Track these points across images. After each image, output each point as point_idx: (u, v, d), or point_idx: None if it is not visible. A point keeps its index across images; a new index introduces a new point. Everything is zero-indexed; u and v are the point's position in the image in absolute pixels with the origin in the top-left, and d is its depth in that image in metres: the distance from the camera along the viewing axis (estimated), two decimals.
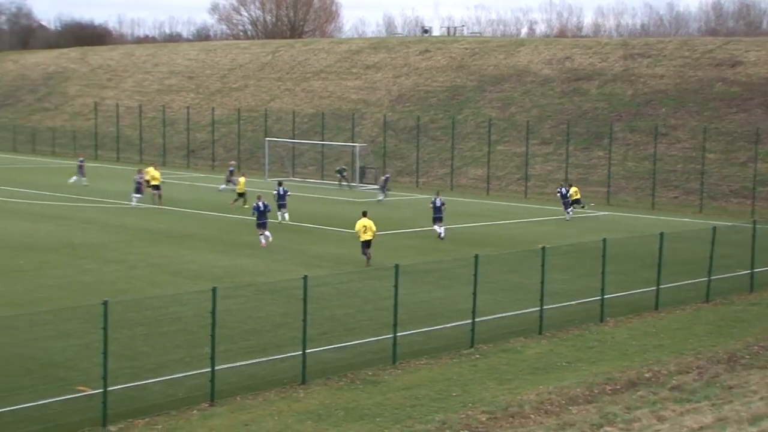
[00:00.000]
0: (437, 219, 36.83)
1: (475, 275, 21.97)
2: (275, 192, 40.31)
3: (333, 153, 67.47)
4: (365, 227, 30.62)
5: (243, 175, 48.05)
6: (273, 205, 37.84)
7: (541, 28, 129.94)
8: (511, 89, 68.98)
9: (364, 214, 31.28)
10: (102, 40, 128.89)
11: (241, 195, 44.54)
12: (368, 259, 30.57)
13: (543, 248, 23.97)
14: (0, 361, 18.28)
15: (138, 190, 44.84)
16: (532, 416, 16.70)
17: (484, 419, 16.47)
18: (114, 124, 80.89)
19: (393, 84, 75.28)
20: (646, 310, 25.89)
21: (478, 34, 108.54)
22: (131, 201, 44.65)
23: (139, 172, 46.28)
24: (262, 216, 34.03)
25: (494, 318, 23.94)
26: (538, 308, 23.31)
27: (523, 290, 26.74)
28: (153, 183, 45.98)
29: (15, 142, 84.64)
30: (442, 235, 36.56)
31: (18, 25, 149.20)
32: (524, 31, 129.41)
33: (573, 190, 47.01)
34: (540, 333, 22.93)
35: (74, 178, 53.88)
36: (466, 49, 77.39)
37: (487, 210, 48.63)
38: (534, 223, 44.10)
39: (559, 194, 46.25)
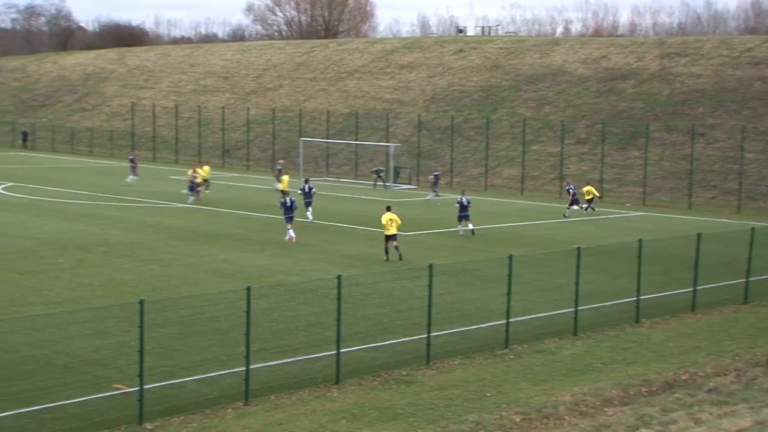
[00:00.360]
0: (463, 217, 37.50)
1: (510, 275, 21.88)
2: (300, 190, 40.83)
3: (367, 153, 67.54)
4: (391, 220, 31.42)
5: (287, 173, 48.52)
6: (300, 202, 38.16)
7: (576, 28, 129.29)
8: (546, 89, 68.64)
9: (388, 209, 32.15)
10: (139, 40, 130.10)
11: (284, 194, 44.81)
12: (386, 252, 31.35)
13: (578, 249, 23.83)
14: (40, 359, 18.50)
15: (192, 189, 45.96)
16: (566, 417, 16.60)
17: (518, 420, 16.40)
18: (150, 124, 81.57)
19: (427, 84, 75.21)
20: (682, 312, 25.64)
21: (513, 34, 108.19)
22: (187, 199, 45.60)
23: (194, 171, 47.63)
24: (289, 211, 34.63)
25: (529, 318, 23.84)
26: (573, 309, 23.17)
27: (557, 291, 26.60)
28: (197, 181, 47.01)
29: (54, 142, 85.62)
30: (462, 232, 37.49)
31: (58, 26, 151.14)
32: (559, 30, 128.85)
33: (587, 188, 47.10)
34: (575, 334, 22.80)
35: (131, 177, 54.35)
36: (501, 48, 77.13)
37: (521, 210, 48.42)
38: (569, 223, 43.85)
39: (568, 191, 46.41)
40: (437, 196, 50.84)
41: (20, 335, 19.09)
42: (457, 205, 37.77)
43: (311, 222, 39.30)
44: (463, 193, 38.78)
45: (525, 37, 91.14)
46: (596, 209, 47.31)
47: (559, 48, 74.24)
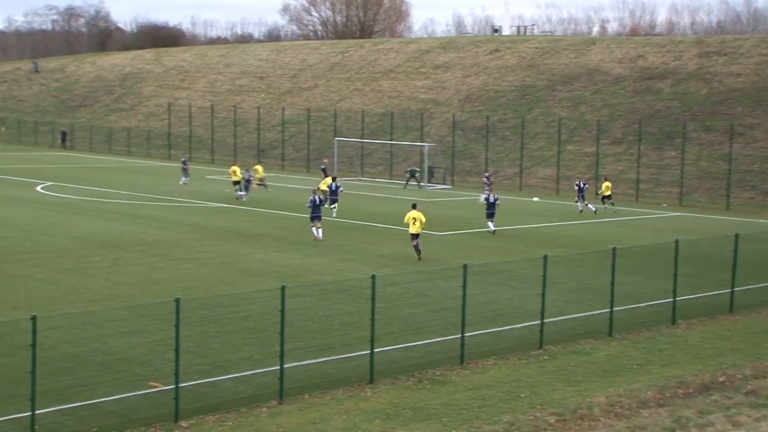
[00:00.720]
0: (490, 215, 37.69)
1: (544, 276, 21.80)
2: (328, 187, 41.93)
3: (402, 153, 67.56)
4: (415, 219, 31.48)
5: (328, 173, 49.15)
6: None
7: (613, 27, 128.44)
8: (581, 88, 68.26)
9: (414, 207, 32.18)
10: (176, 41, 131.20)
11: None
12: (417, 251, 31.44)
13: (613, 249, 23.68)
14: (78, 356, 18.71)
15: (246, 188, 47.17)
16: (601, 419, 16.50)
17: (552, 421, 16.33)
18: (186, 124, 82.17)
19: (462, 84, 75.08)
20: (719, 313, 25.40)
21: (549, 33, 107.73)
22: (243, 198, 46.58)
23: (248, 170, 49.23)
24: (316, 210, 35.00)
25: (563, 319, 23.73)
26: (609, 310, 23.03)
27: (592, 291, 26.45)
28: (234, 179, 48.08)
29: (92, 142, 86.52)
30: (494, 230, 37.68)
31: (96, 28, 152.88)
32: (596, 29, 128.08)
33: (605, 185, 47.31)
34: (610, 335, 22.66)
35: (183, 179, 54.84)
36: (537, 48, 76.81)
37: (556, 210, 48.19)
38: (604, 223, 43.57)
39: (576, 187, 46.66)
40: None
41: (59, 333, 19.32)
42: (484, 202, 38.13)
43: (334, 218, 39.98)
44: (490, 191, 39.42)
45: (561, 37, 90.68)
46: (615, 205, 47.43)
47: (596, 47, 73.78)
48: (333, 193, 41.48)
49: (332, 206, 41.08)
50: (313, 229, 34.92)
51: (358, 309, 22.43)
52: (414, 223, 31.57)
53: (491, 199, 37.82)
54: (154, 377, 17.81)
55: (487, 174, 52.68)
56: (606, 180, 48.90)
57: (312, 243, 34.35)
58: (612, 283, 23.08)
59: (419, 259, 31.22)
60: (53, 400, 16.11)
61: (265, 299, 21.65)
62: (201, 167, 70.21)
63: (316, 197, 35.29)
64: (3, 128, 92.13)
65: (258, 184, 49.23)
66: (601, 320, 23.29)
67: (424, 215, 32.25)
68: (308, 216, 35.66)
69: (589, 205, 46.21)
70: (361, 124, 71.81)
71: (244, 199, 46.73)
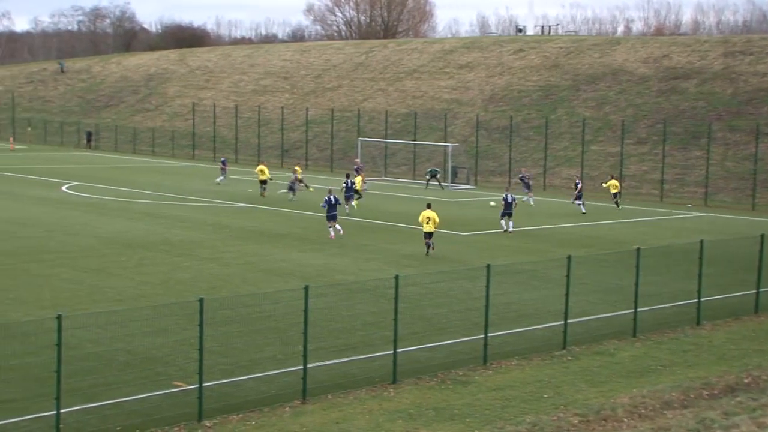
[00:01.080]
0: (506, 214, 38.01)
1: (568, 276, 21.73)
2: (344, 184, 43.02)
3: (425, 153, 67.52)
4: (428, 218, 32.24)
5: (361, 174, 49.46)
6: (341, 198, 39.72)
7: (637, 27, 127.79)
8: (606, 88, 67.95)
9: (428, 207, 33.00)
10: (200, 41, 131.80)
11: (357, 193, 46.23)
12: (430, 249, 32.13)
13: (638, 249, 23.56)
14: (102, 356, 18.84)
15: (293, 189, 47.73)
16: (625, 420, 16.43)
17: (576, 422, 16.27)
18: (211, 124, 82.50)
19: (486, 83, 74.94)
20: (745, 314, 25.21)
21: (573, 33, 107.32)
22: (289, 197, 47.16)
23: (293, 171, 50.15)
24: (332, 209, 35.36)
25: (587, 320, 23.63)
26: (632, 310, 22.92)
27: (616, 292, 26.32)
28: (262, 178, 48.92)
29: (117, 142, 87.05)
30: (510, 229, 38.00)
31: (122, 28, 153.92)
32: (620, 29, 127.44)
33: (612, 182, 48.17)
34: (634, 335, 22.55)
35: (220, 178, 55.10)
36: (561, 48, 76.55)
37: (579, 210, 47.97)
38: (628, 224, 43.35)
39: (576, 185, 47.22)
40: (532, 197, 49.96)
41: (84, 332, 19.46)
42: (502, 202, 38.30)
43: (347, 213, 41.05)
44: (508, 190, 39.92)
45: (585, 37, 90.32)
46: (620, 205, 47.90)
47: (620, 47, 73.42)
48: (348, 190, 42.80)
49: (348, 204, 41.99)
50: (330, 228, 35.27)
51: (381, 309, 22.44)
52: (428, 223, 32.25)
53: (509, 199, 37.96)
54: (178, 377, 17.91)
55: (526, 175, 51.80)
56: (613, 178, 49.31)
57: (335, 243, 34.40)
58: (636, 284, 22.96)
59: (427, 254, 31.99)
60: (78, 399, 16.22)
61: (288, 299, 21.68)
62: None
63: (331, 197, 35.66)
64: (29, 128, 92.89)
65: (300, 185, 49.80)
66: (625, 321, 23.18)
67: (438, 215, 32.65)
68: (323, 215, 35.78)
69: (578, 203, 46.50)
70: (385, 124, 71.83)
71: (290, 198, 47.07)
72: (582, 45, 76.08)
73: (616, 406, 17.05)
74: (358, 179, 46.81)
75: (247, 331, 20.92)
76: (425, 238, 32.28)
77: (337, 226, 35.37)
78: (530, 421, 16.20)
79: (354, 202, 43.62)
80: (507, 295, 25.08)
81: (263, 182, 48.80)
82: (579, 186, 46.88)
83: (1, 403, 16.06)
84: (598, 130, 63.52)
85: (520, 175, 51.89)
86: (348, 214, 40.85)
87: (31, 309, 22.89)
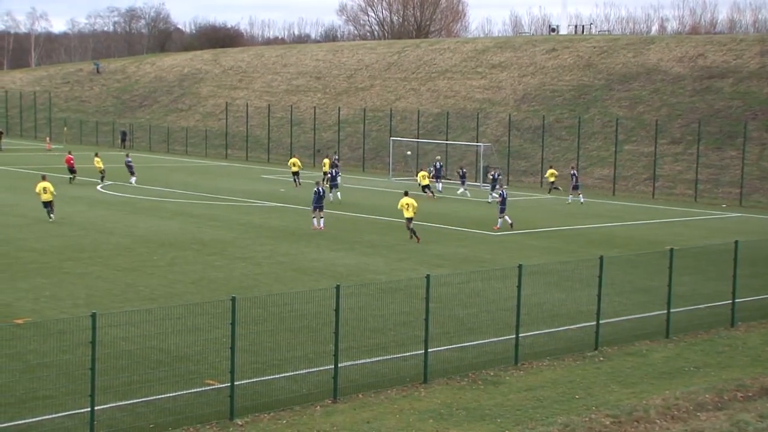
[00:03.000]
0: (503, 209, 38.73)
1: (600, 276, 21.62)
2: (329, 173, 47.08)
3: (457, 153, 67.41)
4: (407, 205, 34.43)
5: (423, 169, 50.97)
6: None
7: (672, 26, 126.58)
8: (639, 88, 67.47)
9: (406, 194, 35.23)
10: (234, 42, 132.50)
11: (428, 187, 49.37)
12: (413, 234, 34.30)
13: (671, 250, 23.38)
14: (135, 354, 19.00)
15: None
16: (657, 422, 16.32)
17: (608, 423, 16.19)
18: (244, 124, 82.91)
19: (518, 83, 74.68)
20: None
21: (607, 32, 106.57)
22: (336, 196, 47.69)
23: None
24: (319, 200, 36.93)
25: (619, 320, 23.50)
26: (665, 311, 22.75)
27: (649, 293, 26.14)
28: (294, 170, 53.07)
29: (151, 142, 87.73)
30: (506, 223, 38.64)
31: (156, 29, 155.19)
32: (655, 28, 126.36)
33: (550, 171, 51.83)
34: (667, 336, 22.38)
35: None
36: (594, 47, 76.10)
37: (612, 210, 47.71)
38: (662, 224, 43.03)
39: (573, 176, 49.35)
40: (580, 197, 50.30)
41: (117, 330, 19.65)
42: (499, 198, 39.30)
43: (332, 201, 44.07)
44: (501, 187, 42.31)
45: (619, 36, 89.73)
46: (552, 193, 51.63)
47: (654, 46, 72.86)
48: (333, 179, 46.91)
49: (331, 192, 45.75)
50: (314, 218, 36.84)
51: (412, 309, 22.45)
52: (407, 209, 34.35)
53: (504, 194, 39.22)
54: (210, 375, 18.03)
55: (573, 172, 51.64)
56: (551, 167, 52.73)
57: (367, 242, 34.44)
58: (669, 284, 22.79)
59: (418, 241, 34.02)
60: (111, 397, 16.38)
61: (320, 298, 21.76)
62: (257, 167, 70.81)
63: (319, 188, 37.17)
64: (66, 128, 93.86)
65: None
66: (658, 322, 23.02)
67: (466, 214, 32.97)
68: (365, 216, 35.85)
69: (571, 197, 48.48)
70: (417, 124, 71.80)
71: (331, 199, 47.40)
72: (616, 44, 75.59)
73: (648, 408, 16.94)
74: (422, 173, 50.35)
75: (278, 330, 21.00)
76: (408, 223, 34.37)
77: (322, 220, 36.77)
78: (562, 422, 16.13)
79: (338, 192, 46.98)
80: (538, 296, 24.99)
81: (296, 174, 53.07)
82: (575, 176, 49.29)
83: (38, 400, 16.26)
84: (632, 129, 63.07)
85: (572, 172, 51.77)
86: (339, 203, 43.68)
87: (66, 307, 23.15)
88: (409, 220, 34.42)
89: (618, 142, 60.10)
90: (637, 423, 16.24)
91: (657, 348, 21.52)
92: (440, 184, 54.63)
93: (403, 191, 36.42)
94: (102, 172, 53.40)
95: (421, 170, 53.54)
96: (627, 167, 59.61)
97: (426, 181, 49.79)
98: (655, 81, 67.43)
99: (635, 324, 23.43)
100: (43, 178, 39.16)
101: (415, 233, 34.47)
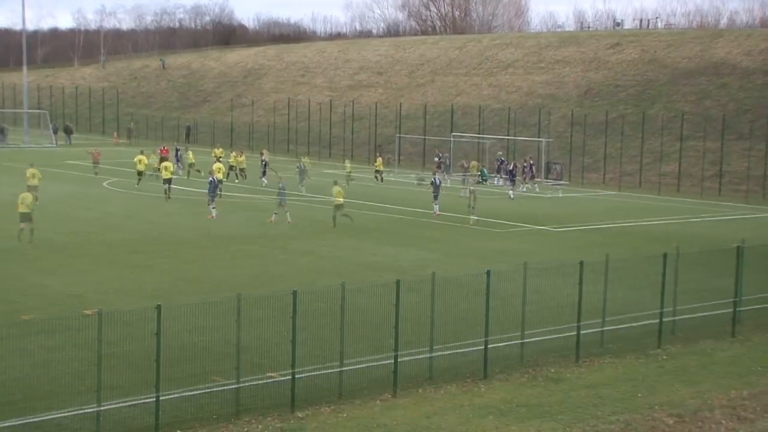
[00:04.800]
0: (436, 196, 40.42)
1: (663, 274, 21.36)
2: (263, 159, 51.61)
3: (519, 148, 67.00)
4: (339, 191, 37.52)
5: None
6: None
7: (741, 18, 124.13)
8: (706, 82, 66.32)
9: (336, 183, 38.15)
10: (297, 37, 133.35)
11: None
12: (335, 219, 36.52)
13: (738, 247, 22.98)
14: (200, 345, 19.28)
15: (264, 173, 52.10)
16: (723, 422, 16.08)
17: (671, 422, 16.01)
18: (305, 119, 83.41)
19: (582, 78, 73.94)
20: None
21: (672, 26, 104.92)
22: (264, 183, 50.79)
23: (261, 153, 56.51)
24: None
25: (683, 318, 23.16)
26: (731, 310, 22.38)
27: (714, 291, 25.70)
28: (377, 168, 56.09)
29: (214, 137, 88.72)
30: (438, 212, 40.02)
31: (221, 25, 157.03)
32: (723, 21, 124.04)
33: (379, 160, 54.70)
34: (733, 335, 22.03)
35: (443, 175, 55.31)
36: (660, 41, 74.99)
37: (677, 207, 47.03)
38: (729, 221, 42.29)
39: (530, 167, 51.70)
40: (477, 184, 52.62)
41: (181, 322, 19.91)
42: (431, 185, 40.70)
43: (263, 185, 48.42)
44: (435, 173, 44.06)
45: (685, 30, 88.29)
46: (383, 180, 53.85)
47: (722, 40, 71.53)
48: (264, 165, 52.04)
49: (264, 177, 50.81)
50: (211, 208, 38.05)
51: (472, 304, 22.41)
52: (340, 195, 37.14)
53: (437, 182, 40.57)
54: (272, 367, 18.21)
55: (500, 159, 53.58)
56: (379, 155, 56.51)
57: (428, 238, 34.43)
58: (736, 282, 22.43)
59: (334, 226, 36.05)
60: (176, 386, 16.64)
61: (381, 293, 21.83)
62: (319, 162, 71.15)
63: (213, 178, 39.14)
64: (132, 124, 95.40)
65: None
66: (723, 320, 22.66)
67: (520, 210, 32.44)
68: (426, 212, 35.85)
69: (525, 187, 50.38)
70: (479, 120, 71.52)
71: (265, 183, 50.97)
72: (682, 38, 74.38)
73: (713, 408, 16.71)
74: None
75: (339, 324, 21.10)
76: (337, 209, 36.51)
77: (214, 211, 37.85)
78: (623, 420, 15.99)
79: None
80: (600, 292, 24.70)
81: (378, 171, 56.18)
82: (531, 165, 52.86)
83: (106, 389, 16.60)
84: (697, 125, 62.01)
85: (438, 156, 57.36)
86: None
87: (133, 298, 23.58)
88: (339, 207, 36.73)
89: (683, 137, 59.17)
90: (701, 423, 16.02)
91: (722, 347, 21.19)
92: (502, 180, 54.68)
93: (333, 180, 39.29)
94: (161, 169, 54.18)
95: (378, 156, 57.92)
96: (692, 163, 58.68)
97: (380, 167, 55.07)
98: (723, 75, 66.20)
99: (699, 322, 23.08)
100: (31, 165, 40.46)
101: (336, 219, 36.44)
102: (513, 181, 52.24)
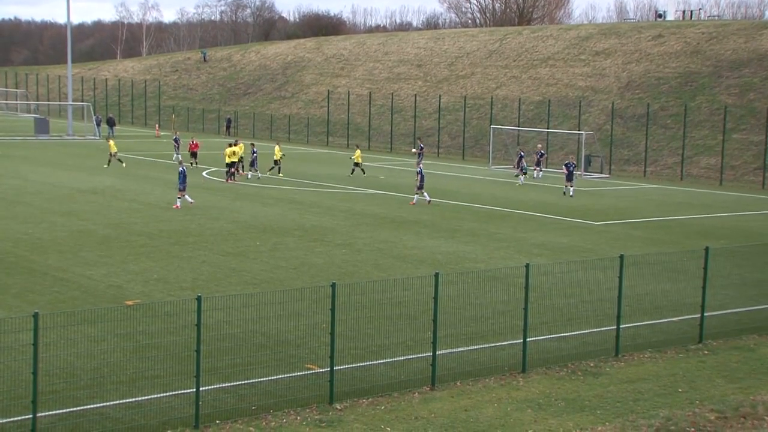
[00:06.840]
0: (421, 187, 41.07)
1: (705, 268, 21.13)
2: (253, 153, 50.61)
3: (558, 141, 66.61)
4: (234, 152, 43.87)
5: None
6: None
7: None
8: (750, 74, 65.40)
9: (236, 143, 45.91)
10: (336, 30, 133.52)
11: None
12: (230, 177, 41.90)
13: None
14: (238, 337, 19.43)
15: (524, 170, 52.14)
16: (766, 418, 15.89)
17: (712, 418, 15.85)
18: (345, 112, 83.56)
19: (623, 71, 73.28)
20: None
21: (717, 18, 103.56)
22: (257, 176, 50.48)
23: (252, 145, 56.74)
24: (183, 180, 38.28)
25: (725, 313, 22.92)
26: None
27: (757, 286, 25.42)
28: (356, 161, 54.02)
29: (254, 129, 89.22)
30: (416, 201, 41.51)
31: (261, 18, 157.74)
32: None
33: (357, 153, 53.10)
34: None
35: (538, 172, 55.43)
36: (703, 33, 74.08)
37: (719, 201, 46.50)
38: None
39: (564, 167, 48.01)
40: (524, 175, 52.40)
41: (220, 313, 20.11)
42: (418, 175, 41.39)
43: (249, 177, 49.49)
44: (419, 165, 45.31)
45: (729, 21, 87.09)
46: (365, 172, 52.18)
47: (767, 31, 70.49)
48: (254, 158, 50.97)
49: (251, 169, 50.27)
50: (187, 197, 38.45)
51: (511, 298, 22.36)
52: (233, 155, 43.08)
53: (422, 171, 41.55)
54: (310, 359, 18.31)
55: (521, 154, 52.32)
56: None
57: (466, 231, 34.37)
58: None
59: (229, 181, 42.12)
60: (215, 378, 16.80)
61: (419, 286, 21.86)
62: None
63: (183, 168, 38.92)
64: (174, 116, 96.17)
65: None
66: (767, 316, 22.37)
67: (568, 205, 31.91)
68: (465, 204, 35.74)
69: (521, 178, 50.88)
70: (518, 112, 71.19)
71: (259, 177, 50.64)
72: (726, 30, 73.43)
73: (756, 404, 16.51)
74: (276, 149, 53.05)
75: (377, 317, 21.18)
76: (228, 167, 41.35)
77: (187, 198, 38.43)
78: (664, 416, 15.86)
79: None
80: (640, 287, 24.57)
81: (356, 164, 53.71)
82: (542, 154, 54.12)
83: (146, 380, 16.80)
84: (741, 118, 61.23)
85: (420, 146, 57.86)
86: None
87: (172, 289, 23.80)
88: (231, 164, 41.71)
89: (726, 130, 58.45)
90: (744, 419, 15.85)
91: (766, 343, 20.93)
92: (540, 173, 54.53)
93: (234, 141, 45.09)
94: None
95: (357, 148, 56.45)
96: (735, 156, 57.96)
97: (359, 160, 53.34)
98: None
99: (742, 317, 22.83)
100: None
101: (231, 175, 40.68)
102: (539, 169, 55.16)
